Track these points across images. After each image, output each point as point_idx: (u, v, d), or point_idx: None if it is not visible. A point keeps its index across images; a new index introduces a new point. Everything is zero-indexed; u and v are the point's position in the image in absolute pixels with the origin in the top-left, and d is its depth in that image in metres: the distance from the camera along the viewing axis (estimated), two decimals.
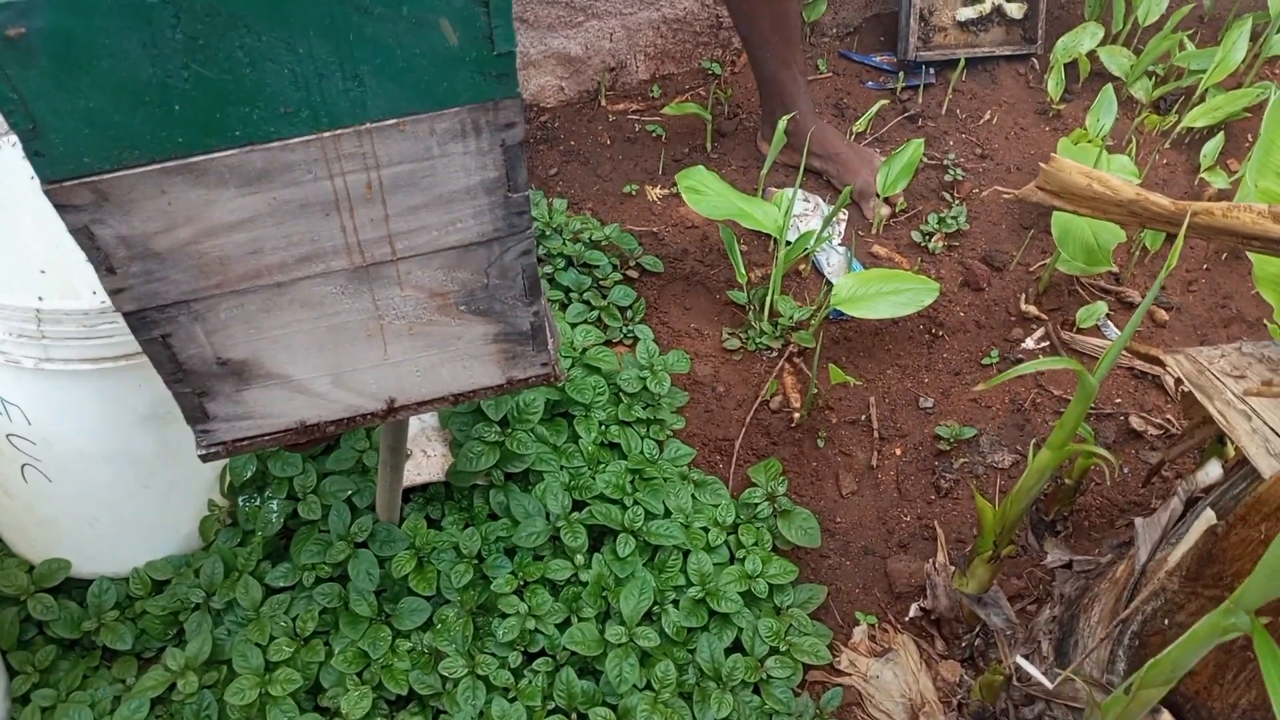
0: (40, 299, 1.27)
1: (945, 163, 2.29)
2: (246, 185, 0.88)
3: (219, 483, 1.59)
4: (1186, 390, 1.33)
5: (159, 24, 0.75)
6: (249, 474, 1.56)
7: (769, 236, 2.11)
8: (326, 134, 0.87)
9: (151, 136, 0.82)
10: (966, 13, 2.47)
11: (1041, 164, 1.28)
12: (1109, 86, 2.18)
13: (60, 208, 0.85)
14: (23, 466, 1.44)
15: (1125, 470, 1.81)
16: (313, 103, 0.84)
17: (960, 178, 2.25)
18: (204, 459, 1.14)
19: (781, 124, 1.98)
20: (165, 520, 1.57)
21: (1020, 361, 1.95)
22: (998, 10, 2.48)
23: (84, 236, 0.88)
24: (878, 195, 2.13)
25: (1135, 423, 1.86)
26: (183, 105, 0.81)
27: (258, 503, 1.59)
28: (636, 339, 1.93)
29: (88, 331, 1.30)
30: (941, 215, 2.17)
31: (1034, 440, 1.83)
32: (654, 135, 2.38)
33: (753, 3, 2.05)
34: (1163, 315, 2.05)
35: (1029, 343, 1.98)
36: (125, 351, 1.34)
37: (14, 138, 1.48)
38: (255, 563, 1.55)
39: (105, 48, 0.75)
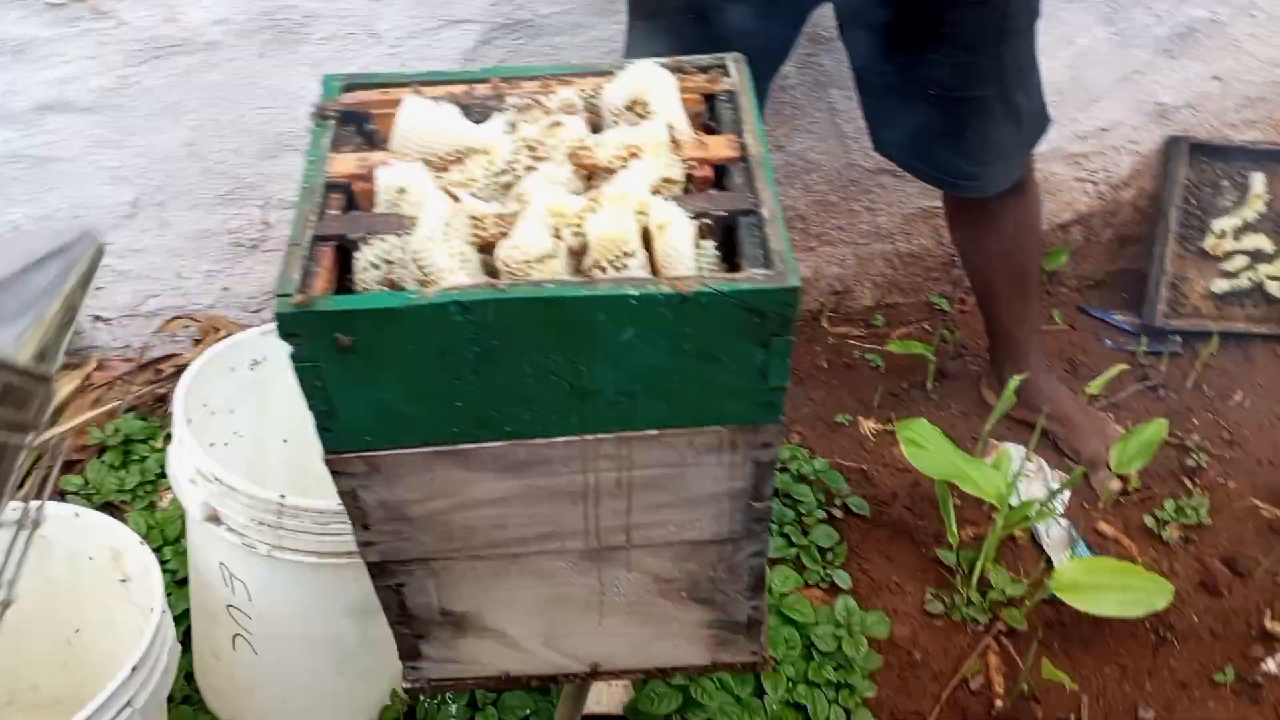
0: (283, 496, 1.33)
1: (1187, 444, 2.15)
2: (505, 471, 0.91)
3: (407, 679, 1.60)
4: None
5: (459, 337, 0.78)
6: None
7: None
8: (589, 437, 0.89)
9: (430, 426, 0.85)
10: (1222, 285, 2.36)
11: None
12: None
13: (335, 473, 0.89)
14: (234, 636, 1.50)
15: None
16: (583, 411, 0.86)
17: (1203, 464, 2.11)
18: (408, 692, 1.15)
19: (1012, 384, 1.91)
20: (351, 703, 1.60)
21: (1259, 685, 1.77)
22: (1258, 286, 2.36)
23: (349, 498, 0.92)
24: (1109, 468, 2.02)
25: None
26: (464, 403, 0.84)
27: (438, 703, 1.60)
28: (835, 585, 1.87)
29: (320, 529, 1.36)
30: (1179, 503, 2.02)
31: None
32: (873, 365, 2.36)
33: (990, 260, 2.00)
34: None
35: (1270, 665, 1.79)
36: (348, 549, 1.39)
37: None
38: None
39: (408, 353, 0.79)
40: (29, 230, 1.75)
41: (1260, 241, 2.35)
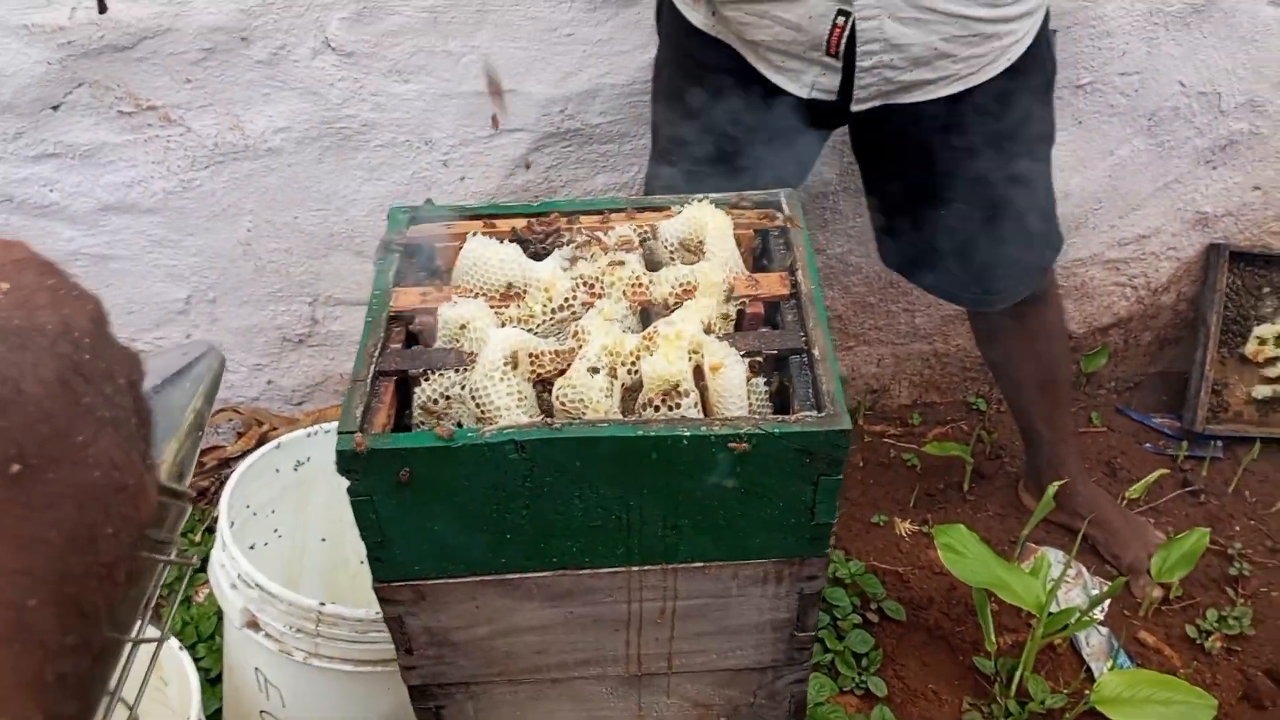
0: (322, 604, 1.34)
1: (1230, 552, 2.12)
2: (550, 601, 0.91)
3: None
4: None
5: (513, 474, 0.80)
6: None
7: None
8: (635, 568, 0.89)
9: (479, 557, 0.87)
10: (1264, 391, 2.34)
11: None
12: None
13: (383, 600, 0.90)
14: None
15: None
16: (629, 544, 0.87)
17: (1246, 572, 2.07)
18: None
19: (1051, 489, 1.90)
20: None
21: None
22: None
23: (395, 624, 0.93)
24: (1149, 575, 1.99)
25: None
26: (513, 535, 0.85)
27: None
28: (870, 693, 1.84)
29: (358, 636, 1.36)
30: (1223, 613, 1.99)
31: None
32: (909, 465, 2.34)
33: (1016, 368, 1.96)
34: None
35: None
36: (384, 657, 1.39)
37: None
38: None
39: (463, 489, 0.81)
40: (158, 350, 1.80)
41: None
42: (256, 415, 2.03)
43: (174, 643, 1.39)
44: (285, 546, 1.67)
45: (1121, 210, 2.23)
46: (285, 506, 1.64)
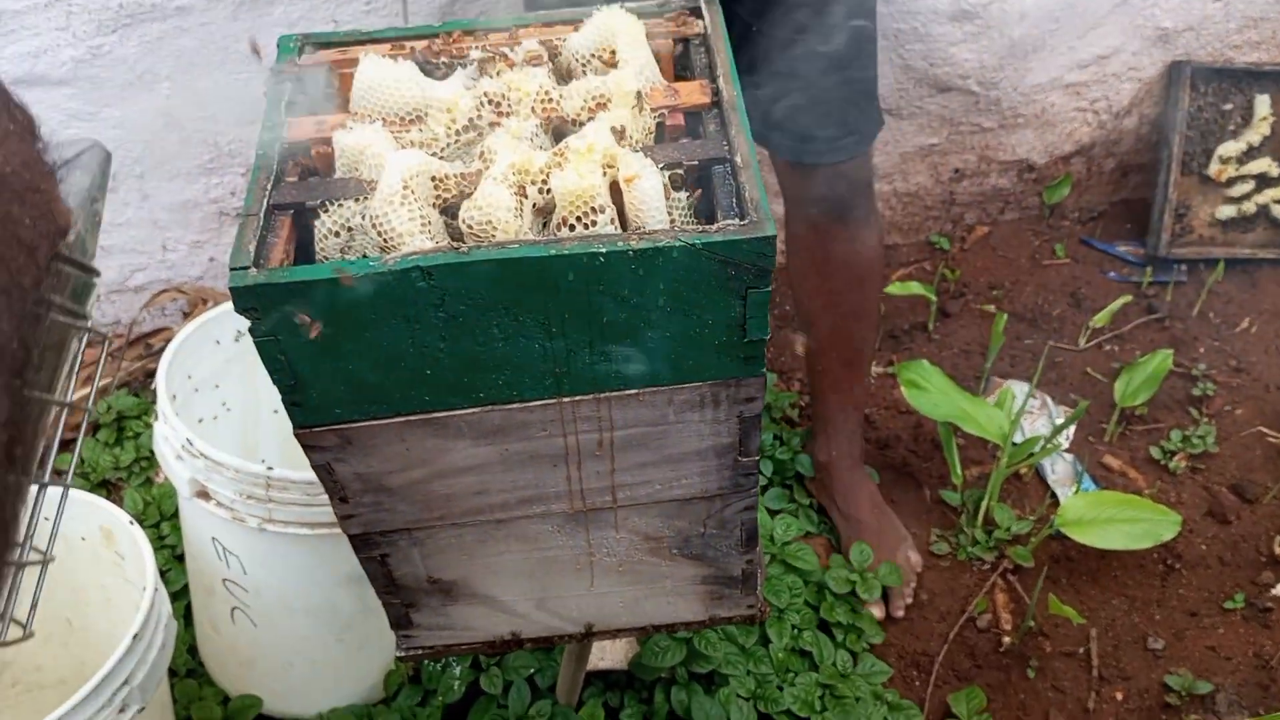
0: (270, 468, 1.32)
1: (1194, 373, 2.12)
2: (482, 438, 0.89)
3: None
4: None
5: (424, 303, 0.76)
6: None
7: None
8: (566, 399, 0.86)
9: (401, 396, 0.83)
10: (1227, 211, 2.31)
11: None
12: None
13: (307, 448, 0.87)
14: (233, 609, 1.50)
15: None
16: (557, 374, 0.84)
17: (1210, 392, 2.08)
18: (401, 660, 1.14)
19: (1001, 319, 1.85)
20: (353, 670, 1.59)
21: (1268, 610, 1.75)
22: (1263, 211, 2.31)
23: (324, 471, 0.90)
24: (911, 587, 1.79)
25: None
26: (434, 371, 0.82)
27: (441, 666, 1.59)
28: (838, 533, 1.86)
29: (310, 500, 1.35)
30: (1186, 433, 2.00)
31: None
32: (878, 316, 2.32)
33: (816, 299, 1.74)
34: None
35: None
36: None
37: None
38: None
39: (372, 322, 0.76)
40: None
41: (1265, 166, 2.29)
42: (201, 293, 1.98)
43: (126, 517, 1.37)
44: (236, 420, 1.65)
45: (1080, 29, 2.15)
46: (231, 379, 1.60)
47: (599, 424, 0.89)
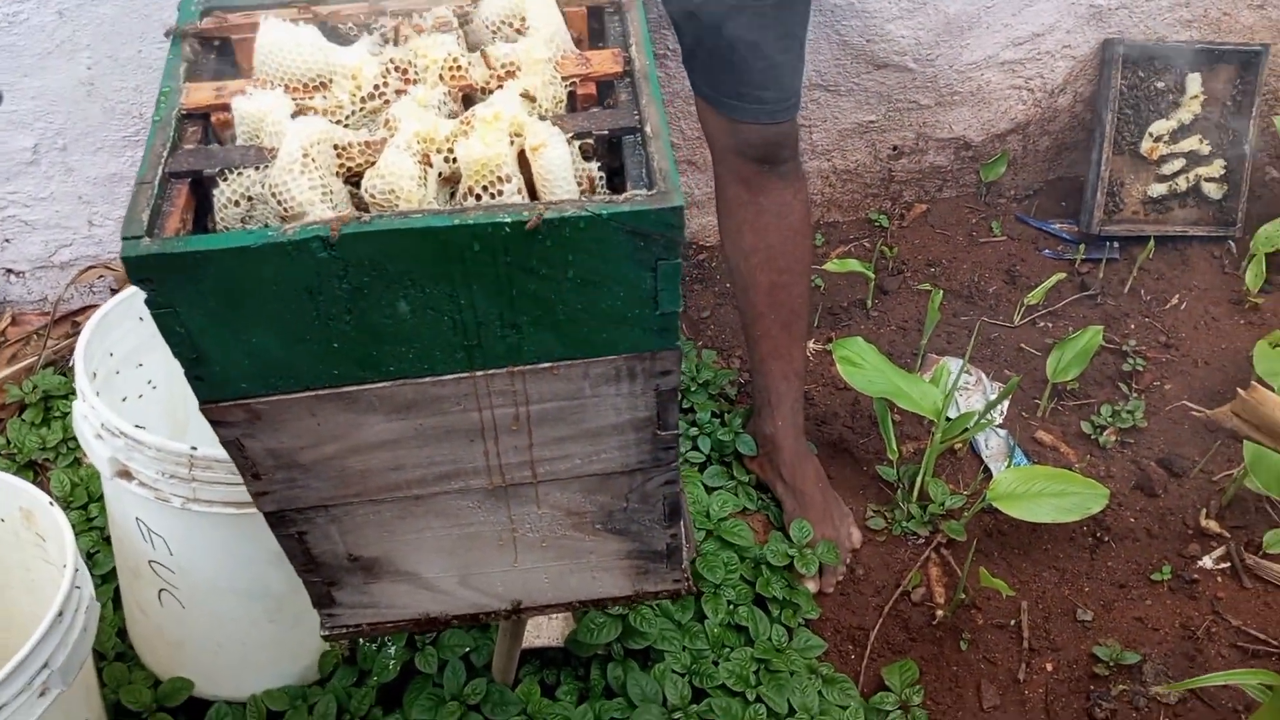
0: (194, 447, 1.29)
1: (1125, 349, 2.15)
2: (395, 413, 0.87)
3: None
4: None
5: (327, 274, 0.74)
6: None
7: None
8: (479, 373, 0.85)
9: (308, 369, 0.82)
10: (1159, 189, 2.34)
11: (1241, 391, 1.16)
12: None
13: (214, 423, 0.85)
14: (160, 591, 1.47)
15: None
16: (469, 347, 0.83)
17: (1140, 367, 2.11)
18: (326, 639, 1.13)
19: (938, 296, 1.86)
20: (287, 652, 1.57)
21: (1195, 582, 1.79)
22: (1194, 189, 2.34)
23: (234, 448, 0.88)
24: (846, 563, 1.82)
25: None
26: (341, 344, 0.80)
27: (376, 646, 1.58)
28: (782, 509, 1.87)
29: (234, 479, 1.32)
30: (1116, 408, 2.03)
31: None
32: (813, 285, 2.33)
33: (751, 258, 1.74)
34: None
35: (1207, 562, 1.82)
36: None
37: None
38: (368, 708, 1.53)
39: (272, 293, 0.75)
40: None
41: (1196, 144, 2.33)
42: None
43: (45, 498, 1.34)
44: (162, 398, 1.61)
45: (1015, 6, 2.17)
46: (155, 357, 1.57)
47: (514, 398, 0.88)
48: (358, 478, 0.94)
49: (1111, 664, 1.68)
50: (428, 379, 0.85)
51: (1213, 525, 1.86)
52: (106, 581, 1.65)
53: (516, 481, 0.97)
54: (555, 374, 0.86)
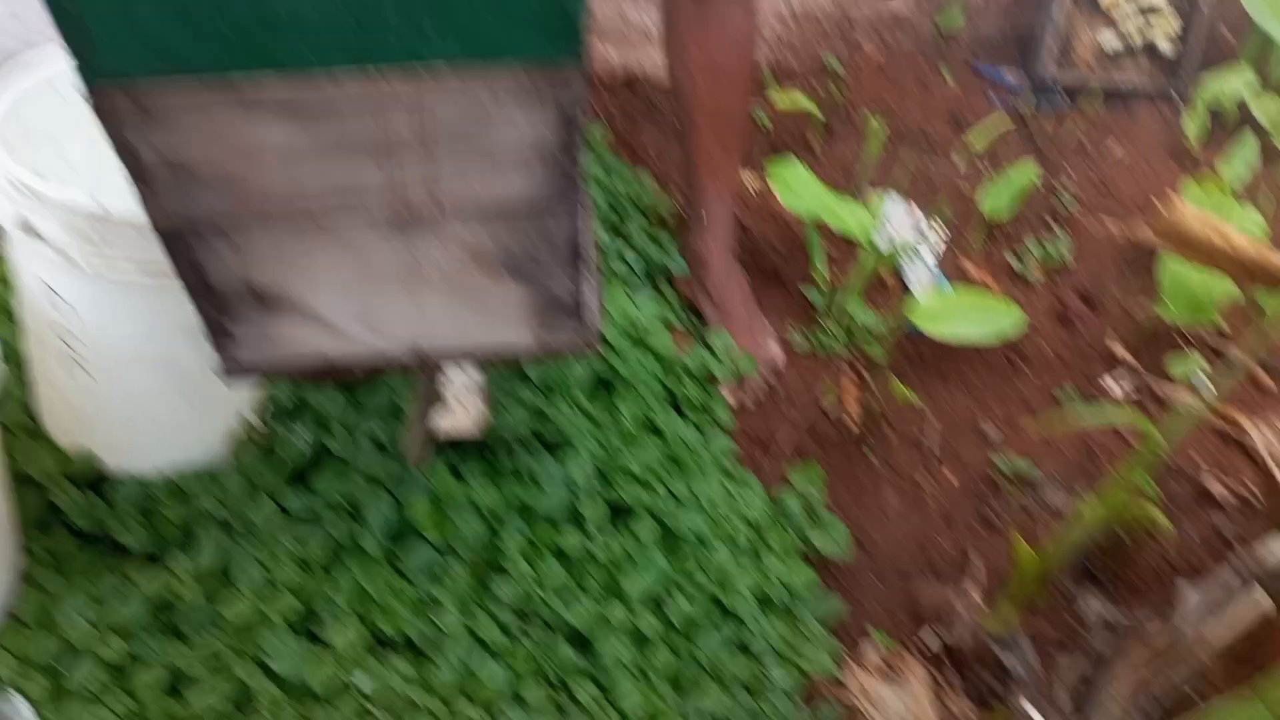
0: (106, 208, 1.26)
1: (1060, 194, 2.16)
2: (291, 118, 0.86)
3: (256, 404, 1.59)
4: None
5: None
6: (286, 401, 1.56)
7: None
8: (377, 76, 0.84)
9: (194, 52, 0.80)
10: (1112, 42, 2.32)
11: (1158, 202, 1.18)
12: (1253, 136, 2.02)
13: (104, 121, 0.83)
14: (68, 361, 1.45)
15: (1194, 537, 1.69)
16: (363, 36, 0.81)
17: (1074, 210, 2.13)
18: (226, 377, 1.13)
19: (880, 128, 1.86)
20: (198, 431, 1.57)
21: (1093, 398, 1.84)
22: (1148, 45, 2.33)
23: (124, 150, 0.86)
24: (765, 378, 1.85)
25: (1214, 487, 1.74)
26: (228, 25, 0.78)
27: (289, 429, 1.58)
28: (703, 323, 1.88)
29: (146, 244, 1.29)
30: (1045, 244, 2.05)
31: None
32: (759, 125, 2.30)
33: (696, 79, 1.73)
34: (1268, 382, 1.91)
35: (1108, 381, 1.87)
36: None
37: None
38: (277, 486, 1.54)
39: None
40: None
41: None
42: None
43: None
44: (84, 184, 1.56)
45: None
46: (77, 142, 1.50)
47: (414, 109, 0.87)
48: (255, 193, 0.92)
49: (1010, 475, 1.74)
50: (324, 79, 0.83)
51: (1123, 352, 1.90)
52: (9, 361, 1.62)
53: (414, 204, 0.96)
54: (455, 87, 0.85)
